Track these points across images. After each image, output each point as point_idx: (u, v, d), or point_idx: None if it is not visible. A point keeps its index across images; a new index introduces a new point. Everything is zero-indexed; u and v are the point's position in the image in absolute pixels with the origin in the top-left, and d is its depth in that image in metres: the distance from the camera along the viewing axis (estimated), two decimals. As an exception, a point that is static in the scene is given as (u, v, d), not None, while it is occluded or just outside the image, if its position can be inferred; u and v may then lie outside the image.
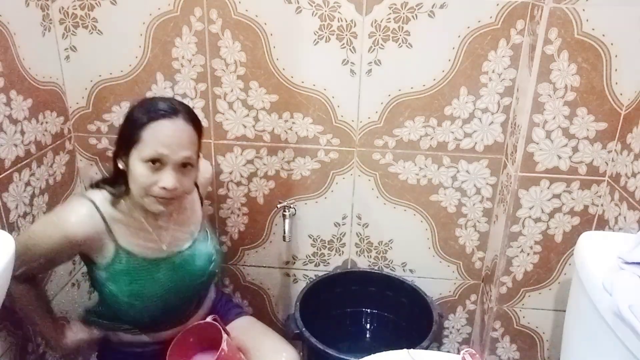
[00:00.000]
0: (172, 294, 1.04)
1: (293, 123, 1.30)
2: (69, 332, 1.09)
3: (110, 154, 1.35)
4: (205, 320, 1.09)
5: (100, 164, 1.38)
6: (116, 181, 0.99)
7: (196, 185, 1.11)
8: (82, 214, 0.94)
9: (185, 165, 0.93)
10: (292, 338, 1.24)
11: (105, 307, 1.06)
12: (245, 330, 1.19)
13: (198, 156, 0.98)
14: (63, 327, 1.09)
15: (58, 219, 0.95)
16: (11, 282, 0.98)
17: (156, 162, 0.90)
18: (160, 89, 1.28)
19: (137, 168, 0.91)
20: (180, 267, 1.05)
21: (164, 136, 0.90)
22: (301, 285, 1.48)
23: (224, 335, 1.03)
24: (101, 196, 0.98)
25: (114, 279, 0.98)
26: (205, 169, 1.20)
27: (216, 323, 1.07)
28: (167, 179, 0.90)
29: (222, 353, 1.00)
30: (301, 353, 1.40)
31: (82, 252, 0.99)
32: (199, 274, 1.08)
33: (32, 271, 1.01)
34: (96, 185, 1.01)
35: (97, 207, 0.95)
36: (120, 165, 0.96)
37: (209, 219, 1.18)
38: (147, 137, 0.90)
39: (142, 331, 1.09)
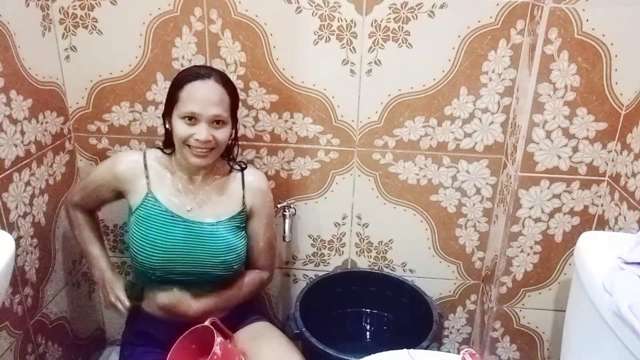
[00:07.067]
0: (182, 257, 1.12)
1: (293, 123, 1.30)
2: (116, 283, 1.20)
3: (110, 153, 1.36)
4: (202, 325, 1.07)
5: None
6: (168, 141, 1.17)
7: (243, 187, 1.19)
8: (129, 155, 1.17)
9: (218, 122, 1.07)
10: (292, 338, 1.24)
11: (131, 259, 1.15)
12: (255, 334, 1.20)
13: (232, 116, 1.12)
14: (111, 275, 1.21)
15: (112, 158, 1.20)
16: (70, 209, 1.24)
17: (192, 119, 1.06)
18: (160, 89, 1.28)
19: (177, 124, 1.07)
20: (197, 237, 1.13)
21: (195, 96, 1.05)
22: (301, 285, 1.48)
23: (217, 339, 1.02)
24: (154, 151, 1.19)
25: (136, 222, 1.12)
26: (257, 179, 1.21)
27: (211, 326, 1.05)
28: (200, 132, 1.05)
29: (215, 357, 0.99)
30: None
31: (120, 189, 1.16)
32: (212, 253, 1.13)
33: (86, 200, 1.21)
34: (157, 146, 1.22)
35: (144, 155, 1.16)
36: (167, 125, 1.13)
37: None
38: (183, 97, 1.06)
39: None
